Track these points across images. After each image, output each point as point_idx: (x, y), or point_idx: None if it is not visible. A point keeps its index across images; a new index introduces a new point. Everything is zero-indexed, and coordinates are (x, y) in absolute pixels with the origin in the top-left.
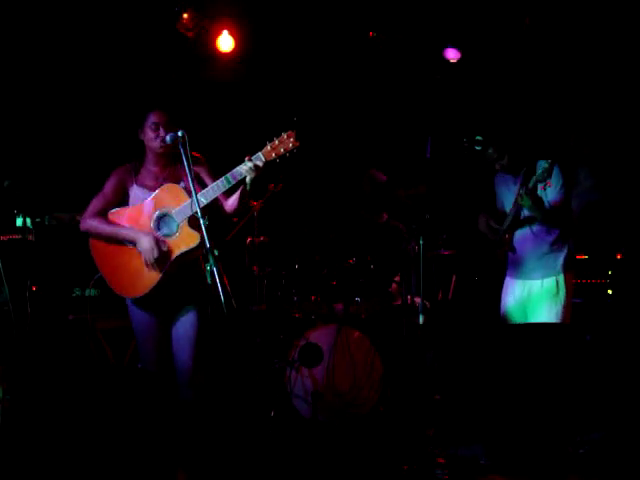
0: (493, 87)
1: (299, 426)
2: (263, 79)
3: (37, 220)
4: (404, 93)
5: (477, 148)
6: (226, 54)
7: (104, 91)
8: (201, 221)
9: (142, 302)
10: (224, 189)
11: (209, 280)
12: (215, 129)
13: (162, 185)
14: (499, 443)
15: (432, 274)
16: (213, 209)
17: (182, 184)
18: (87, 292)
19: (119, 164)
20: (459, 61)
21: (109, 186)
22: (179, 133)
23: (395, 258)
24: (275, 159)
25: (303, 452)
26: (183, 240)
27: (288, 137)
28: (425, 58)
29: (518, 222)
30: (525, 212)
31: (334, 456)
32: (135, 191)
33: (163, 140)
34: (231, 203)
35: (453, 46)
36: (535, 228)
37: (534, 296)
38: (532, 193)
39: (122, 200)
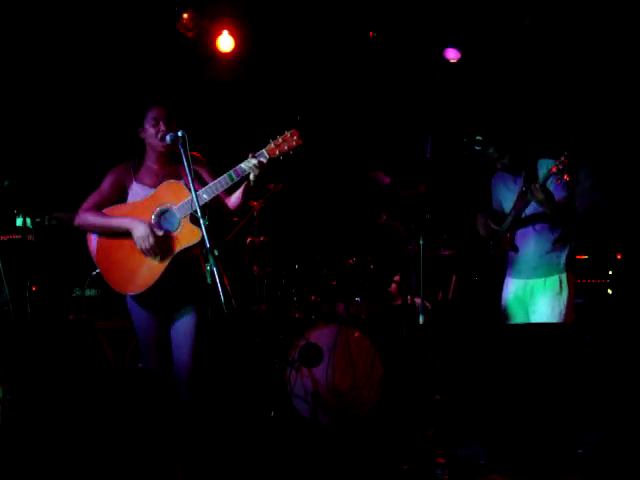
0: (493, 87)
1: (299, 426)
2: (263, 79)
3: (37, 220)
4: (404, 93)
5: (477, 148)
6: (226, 54)
7: (104, 91)
8: (201, 221)
9: (142, 299)
10: (227, 186)
11: (209, 280)
12: (215, 129)
13: (163, 182)
14: (499, 443)
15: (432, 274)
16: (215, 208)
17: (183, 181)
18: (87, 292)
19: (119, 163)
20: (459, 61)
21: (107, 183)
22: (179, 133)
23: (395, 258)
24: (278, 157)
25: (303, 452)
26: (185, 236)
27: (292, 135)
28: (425, 58)
29: (519, 221)
30: (527, 211)
31: (334, 456)
32: (134, 189)
33: (163, 136)
34: (234, 201)
35: (453, 46)
36: (538, 226)
37: (537, 295)
38: (544, 187)
39: (120, 198)
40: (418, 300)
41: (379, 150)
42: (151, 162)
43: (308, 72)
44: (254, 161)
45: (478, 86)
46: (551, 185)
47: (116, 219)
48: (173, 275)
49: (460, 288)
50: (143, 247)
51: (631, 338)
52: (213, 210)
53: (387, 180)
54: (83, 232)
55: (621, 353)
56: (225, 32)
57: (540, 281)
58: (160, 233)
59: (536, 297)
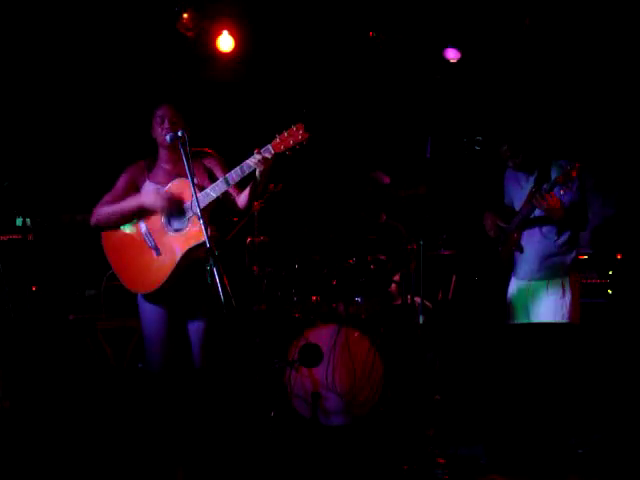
0: (494, 87)
1: (299, 426)
2: (263, 79)
3: (37, 220)
4: (404, 93)
5: (477, 148)
6: (226, 54)
7: (104, 91)
8: (201, 221)
9: (153, 298)
10: (233, 182)
11: (209, 280)
12: (215, 129)
13: (173, 180)
14: (499, 443)
15: (432, 274)
16: (228, 205)
17: (195, 180)
18: (87, 292)
19: (118, 164)
20: (459, 61)
21: (121, 182)
22: (179, 133)
23: (395, 258)
24: (285, 152)
25: (303, 452)
26: (194, 234)
27: (297, 129)
28: (425, 58)
29: (528, 221)
30: (537, 212)
31: (334, 456)
32: (147, 187)
33: (168, 133)
34: (243, 198)
35: (453, 46)
36: (545, 229)
37: (539, 298)
38: (549, 195)
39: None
40: (418, 300)
41: (379, 150)
42: (163, 161)
43: (308, 72)
44: (259, 157)
45: (478, 86)
46: (559, 190)
47: (127, 202)
48: (183, 273)
49: (460, 288)
50: (160, 205)
51: (631, 338)
52: (227, 208)
53: (387, 180)
54: (84, 232)
55: (621, 353)
56: (225, 32)
57: (543, 283)
58: (171, 232)
59: (538, 299)
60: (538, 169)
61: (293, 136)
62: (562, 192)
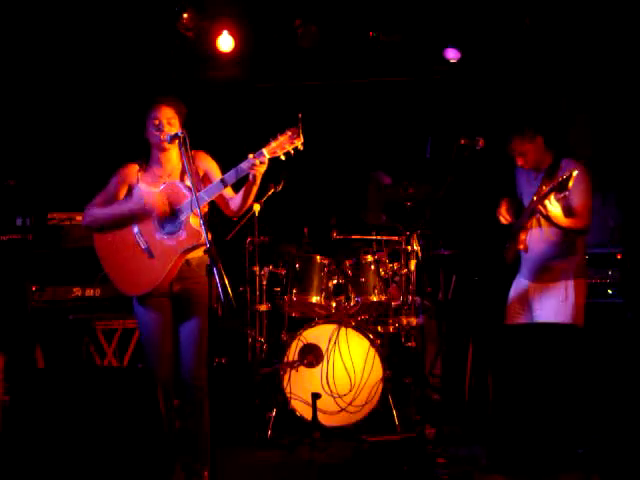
0: (492, 87)
1: (298, 427)
2: (263, 79)
3: (37, 220)
4: (404, 93)
5: (477, 148)
6: (226, 54)
7: (104, 91)
8: (200, 220)
9: (147, 300)
10: (227, 185)
11: (209, 280)
12: (215, 129)
13: (165, 183)
14: (499, 443)
15: (432, 274)
16: (221, 208)
17: (187, 181)
18: (87, 292)
19: (118, 164)
20: (459, 61)
21: (112, 183)
22: (178, 133)
23: (395, 258)
24: (279, 156)
25: (302, 452)
26: (187, 237)
27: (292, 133)
28: (425, 58)
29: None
30: None
31: (334, 456)
32: (139, 189)
33: (162, 132)
34: (235, 201)
35: (453, 46)
36: (549, 231)
37: (541, 300)
38: (546, 201)
39: (125, 198)
40: (418, 300)
41: (379, 150)
42: (155, 162)
43: (308, 72)
44: (253, 161)
45: (478, 86)
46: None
47: (124, 205)
48: (177, 276)
49: (460, 288)
50: (161, 209)
51: (632, 338)
52: (220, 211)
53: (388, 180)
54: (84, 232)
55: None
56: (225, 32)
57: (546, 286)
58: (164, 234)
59: (540, 301)
60: (546, 167)
61: (287, 140)
62: (557, 198)
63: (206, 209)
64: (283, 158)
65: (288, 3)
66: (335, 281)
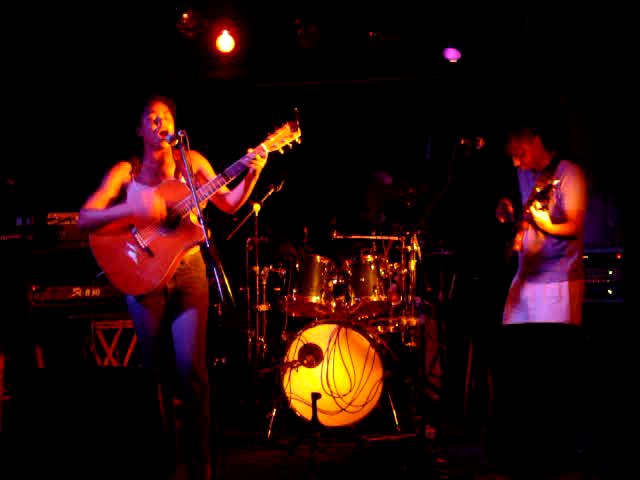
0: (492, 87)
1: (298, 427)
2: (263, 79)
3: (37, 220)
4: (404, 93)
5: (477, 148)
6: (226, 54)
7: (104, 92)
8: (200, 219)
9: (144, 300)
10: (226, 182)
11: (209, 280)
12: (214, 129)
13: (162, 181)
14: (499, 443)
15: (432, 274)
16: (218, 205)
17: (182, 180)
18: (87, 292)
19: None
20: (459, 61)
21: (106, 182)
22: (179, 132)
23: (394, 258)
24: (278, 150)
25: (302, 452)
26: (186, 235)
27: (290, 127)
28: (425, 58)
29: (531, 221)
30: None
31: (334, 456)
32: (134, 188)
33: (161, 133)
34: (234, 197)
35: (453, 46)
36: (544, 231)
37: (536, 301)
38: (529, 218)
39: (120, 197)
40: (418, 300)
41: (379, 150)
42: (150, 161)
43: (308, 72)
44: (253, 155)
45: (478, 86)
46: (558, 196)
47: (117, 209)
48: (176, 273)
49: (460, 288)
50: (155, 213)
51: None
52: (216, 208)
53: (389, 180)
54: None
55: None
56: (225, 32)
57: (540, 287)
58: (162, 233)
59: (535, 302)
60: (543, 168)
61: (285, 134)
62: (540, 206)
63: (204, 206)
64: (282, 152)
65: (288, 3)
66: (335, 281)
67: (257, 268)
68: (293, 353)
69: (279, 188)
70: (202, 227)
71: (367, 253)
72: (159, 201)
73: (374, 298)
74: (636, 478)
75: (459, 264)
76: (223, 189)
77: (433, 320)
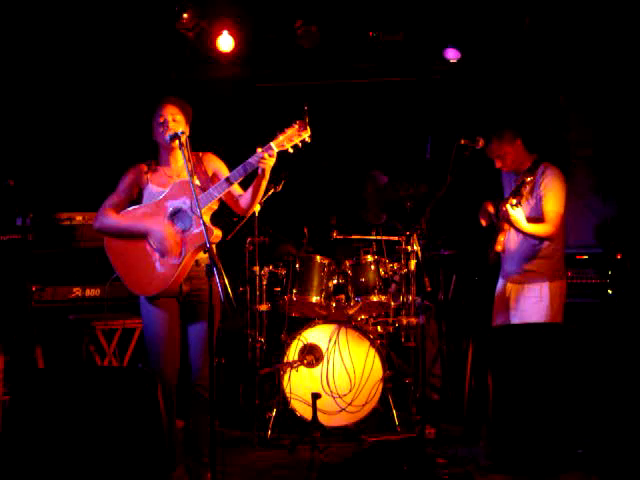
0: (492, 87)
1: (298, 427)
2: (263, 79)
3: (37, 220)
4: (404, 93)
5: (477, 149)
6: (226, 54)
7: (104, 92)
8: (201, 220)
9: (156, 300)
10: (235, 181)
11: (209, 279)
12: (215, 129)
13: (174, 181)
14: (499, 443)
15: (432, 274)
16: (231, 206)
17: (196, 180)
18: (87, 292)
19: (118, 163)
20: (459, 61)
21: (122, 185)
22: (178, 132)
23: (394, 258)
24: (287, 149)
25: (302, 452)
26: (198, 234)
27: (299, 126)
28: (425, 58)
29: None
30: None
31: (334, 456)
32: (149, 190)
33: (167, 132)
34: (246, 198)
35: (453, 46)
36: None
37: (518, 301)
38: (507, 211)
39: (136, 199)
40: (418, 300)
41: (380, 150)
42: (164, 162)
43: (308, 72)
44: (262, 154)
45: (478, 86)
46: (532, 199)
47: (138, 224)
48: (188, 275)
49: (460, 288)
50: (164, 247)
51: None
52: (230, 208)
53: (385, 179)
54: (88, 233)
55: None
56: (225, 32)
57: (522, 287)
58: (178, 239)
59: (517, 302)
60: (524, 171)
61: (295, 133)
62: (514, 202)
63: (216, 206)
64: (291, 151)
65: (288, 3)
66: (335, 281)
67: (257, 268)
68: (293, 353)
69: (279, 188)
70: (202, 228)
71: (367, 253)
72: (172, 233)
73: (374, 298)
74: (636, 478)
75: (459, 264)
76: (238, 191)
77: (433, 320)
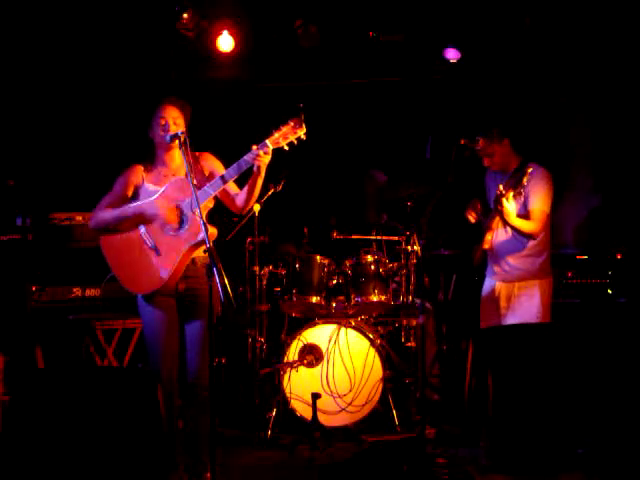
0: (492, 87)
1: (298, 427)
2: (263, 79)
3: (37, 220)
4: (404, 93)
5: (477, 149)
6: (226, 54)
7: (104, 92)
8: (200, 220)
9: (153, 299)
10: (230, 179)
11: (209, 279)
12: (215, 130)
13: (170, 180)
14: (499, 443)
15: (432, 274)
16: (227, 204)
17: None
18: (87, 292)
19: (118, 163)
20: (459, 61)
21: (118, 184)
22: (178, 133)
23: (395, 258)
24: (282, 146)
25: (302, 452)
26: (193, 232)
27: (294, 124)
28: (425, 58)
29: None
30: None
31: (334, 456)
32: (145, 188)
33: (168, 132)
34: (242, 197)
35: (453, 46)
36: (514, 230)
37: (508, 299)
38: (499, 202)
39: (132, 199)
40: (418, 300)
41: (380, 150)
42: (160, 162)
43: (308, 72)
44: (257, 152)
45: (478, 86)
46: (523, 195)
47: (130, 207)
48: (184, 273)
49: (460, 288)
50: (166, 219)
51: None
52: (226, 207)
53: (383, 179)
54: (85, 232)
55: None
56: (225, 32)
57: (512, 285)
58: (169, 231)
59: (508, 301)
60: (511, 171)
61: (290, 130)
62: (514, 196)
63: (211, 205)
64: (287, 149)
65: (288, 3)
66: (335, 281)
67: (257, 268)
68: (293, 353)
69: (279, 188)
70: (202, 226)
71: (367, 253)
72: (169, 206)
73: (374, 298)
74: (636, 478)
75: (459, 264)
76: (234, 189)
77: (433, 320)
